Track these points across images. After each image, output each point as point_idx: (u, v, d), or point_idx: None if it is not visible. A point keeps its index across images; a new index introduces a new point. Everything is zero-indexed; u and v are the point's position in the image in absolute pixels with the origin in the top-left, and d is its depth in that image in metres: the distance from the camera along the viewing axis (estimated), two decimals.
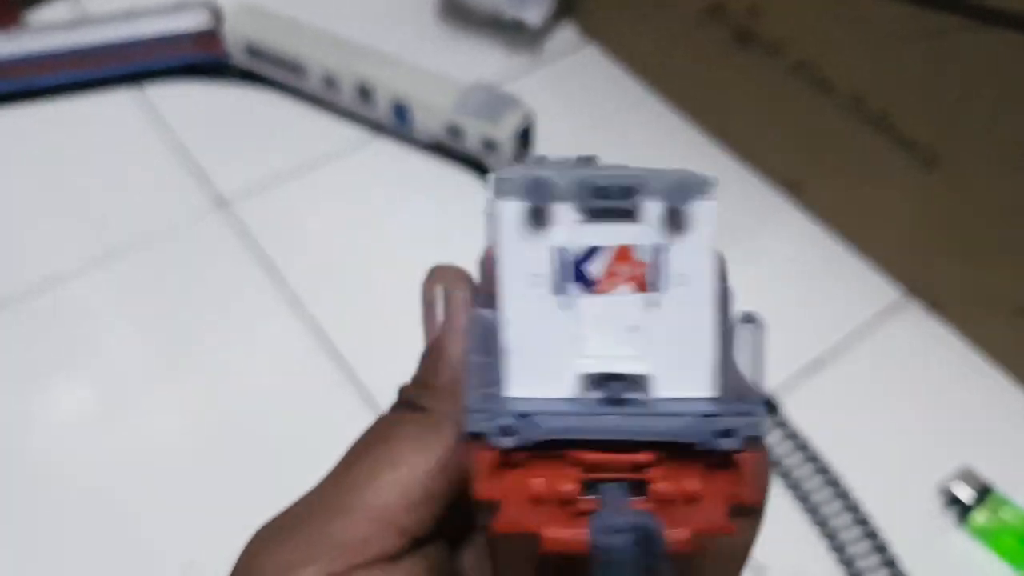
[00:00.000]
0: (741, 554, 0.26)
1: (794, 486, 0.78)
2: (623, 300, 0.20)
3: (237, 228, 0.95)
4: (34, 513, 0.77)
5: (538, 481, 0.18)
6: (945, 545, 0.76)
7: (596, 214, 0.20)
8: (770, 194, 0.93)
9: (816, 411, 0.82)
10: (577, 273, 0.20)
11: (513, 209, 0.19)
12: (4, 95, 1.05)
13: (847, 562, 0.74)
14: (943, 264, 0.83)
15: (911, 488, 0.79)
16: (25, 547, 0.74)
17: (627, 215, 0.20)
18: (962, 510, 0.76)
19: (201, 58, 1.07)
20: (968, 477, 0.77)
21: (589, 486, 0.19)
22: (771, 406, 0.80)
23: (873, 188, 0.84)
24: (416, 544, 0.26)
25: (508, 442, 0.18)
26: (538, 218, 0.19)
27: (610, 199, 0.19)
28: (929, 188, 0.77)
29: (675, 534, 0.18)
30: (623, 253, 0.20)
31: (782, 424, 0.80)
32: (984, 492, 0.76)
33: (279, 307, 0.89)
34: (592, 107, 1.04)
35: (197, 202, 0.97)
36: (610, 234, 0.20)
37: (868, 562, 0.74)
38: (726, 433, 0.18)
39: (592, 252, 0.20)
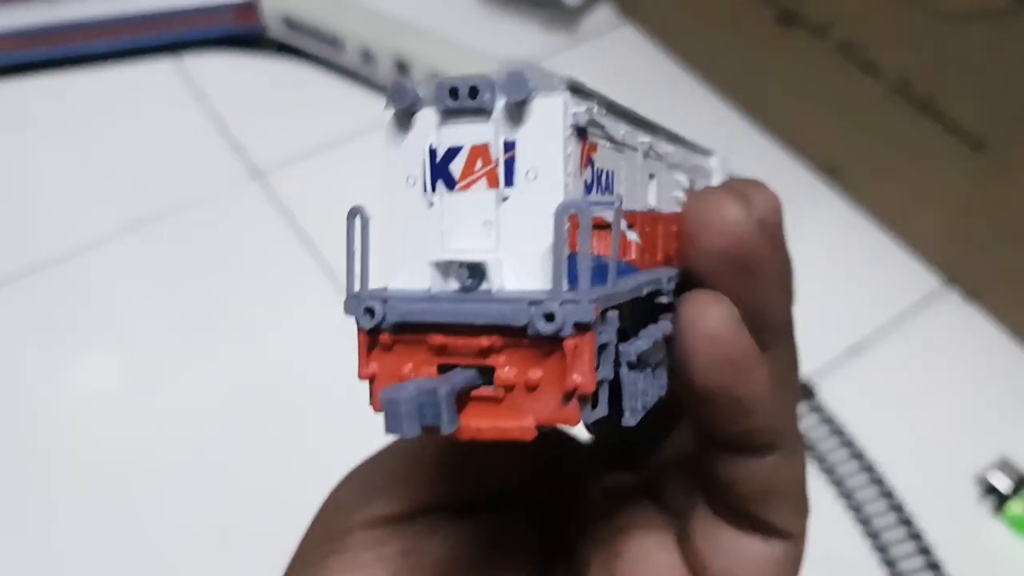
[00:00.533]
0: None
1: (829, 471, 0.77)
2: (479, 197, 0.21)
3: (272, 199, 0.95)
4: (65, 477, 0.77)
5: (406, 364, 0.21)
6: (981, 534, 0.75)
7: (451, 114, 0.21)
8: (810, 178, 0.92)
9: (853, 397, 0.81)
10: (441, 172, 0.21)
11: (388, 115, 0.22)
12: (45, 62, 1.06)
13: (881, 548, 0.74)
14: (986, 251, 0.82)
15: (947, 476, 0.78)
16: (54, 513, 0.75)
17: (480, 113, 0.21)
18: (999, 499, 0.75)
19: (239, 30, 1.07)
20: (1005, 467, 0.76)
21: (444, 370, 0.20)
22: (807, 391, 0.80)
23: (917, 173, 0.82)
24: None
25: (368, 323, 0.20)
26: (402, 121, 0.21)
27: (459, 99, 0.21)
28: (975, 174, 0.76)
29: (513, 423, 0.20)
30: (477, 151, 0.21)
31: (818, 409, 0.80)
32: (1021, 482, 0.76)
33: (313, 278, 0.89)
34: (629, 86, 1.03)
35: (232, 172, 0.97)
36: (467, 134, 0.21)
37: (903, 549, 0.73)
38: (550, 318, 0.20)
39: (453, 152, 0.22)
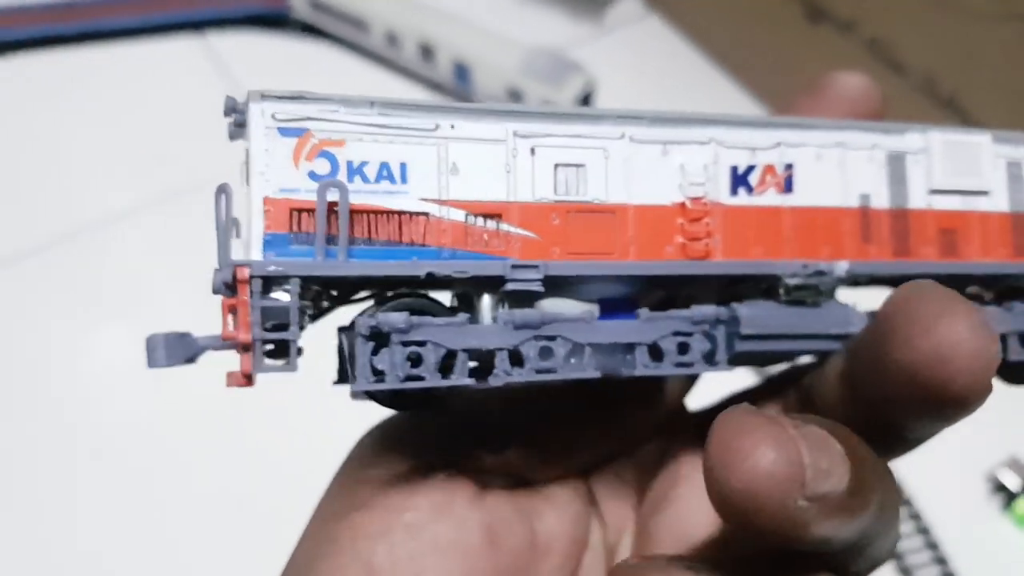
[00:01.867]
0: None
1: None
2: (245, 191, 0.32)
3: None
4: (86, 450, 0.78)
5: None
6: (989, 531, 0.76)
7: (237, 127, 0.31)
8: None
9: None
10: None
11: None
12: (71, 36, 1.06)
13: None
14: None
15: (957, 473, 0.79)
16: (74, 485, 0.76)
17: (243, 126, 0.31)
18: (1008, 497, 0.76)
19: (264, 9, 1.07)
20: (1015, 465, 0.77)
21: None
22: None
23: None
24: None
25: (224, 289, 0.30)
26: (237, 129, 0.31)
27: (229, 116, 0.31)
28: None
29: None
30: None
31: None
32: None
33: None
34: (654, 77, 1.03)
35: None
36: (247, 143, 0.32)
37: (911, 543, 0.74)
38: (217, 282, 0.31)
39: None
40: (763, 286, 0.36)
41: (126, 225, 0.93)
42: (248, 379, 0.31)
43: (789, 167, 0.36)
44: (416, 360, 0.31)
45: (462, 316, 0.33)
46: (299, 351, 0.33)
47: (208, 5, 1.08)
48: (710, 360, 0.35)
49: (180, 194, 0.95)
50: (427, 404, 0.33)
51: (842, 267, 0.36)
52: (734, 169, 0.35)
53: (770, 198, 0.36)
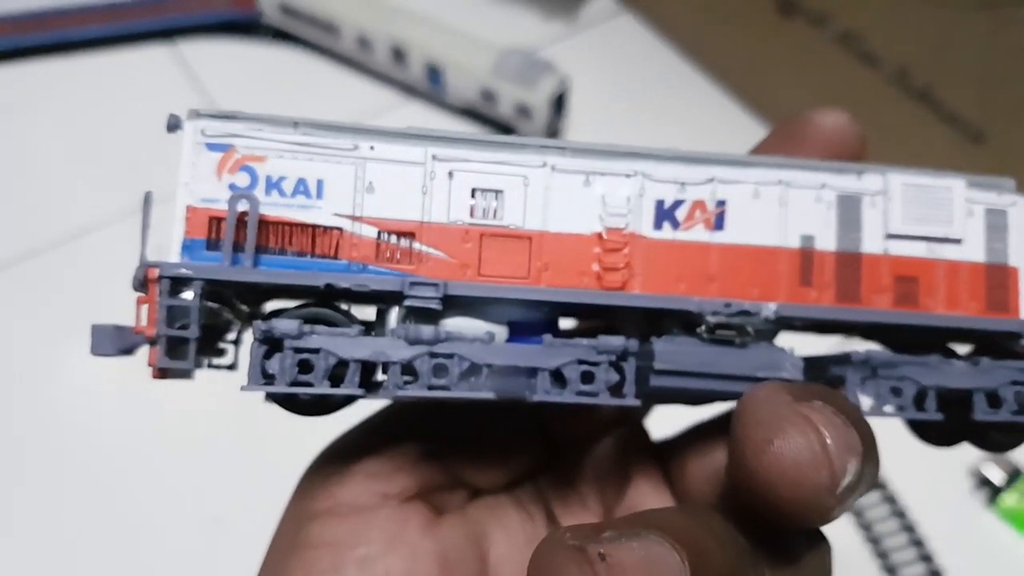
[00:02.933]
0: None
1: None
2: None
3: None
4: (66, 467, 0.77)
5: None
6: (974, 525, 0.75)
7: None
8: None
9: None
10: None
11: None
12: (39, 47, 1.05)
13: (874, 540, 0.74)
14: None
15: (942, 468, 0.78)
16: (57, 500, 0.75)
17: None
18: (992, 492, 0.75)
19: (234, 15, 1.06)
20: (999, 459, 0.77)
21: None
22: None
23: (916, 164, 0.82)
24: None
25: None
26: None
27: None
28: (976, 165, 0.76)
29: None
30: None
31: None
32: (1015, 475, 0.76)
33: None
34: (628, 75, 1.03)
35: None
36: None
37: (896, 540, 0.74)
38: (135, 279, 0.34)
39: None
40: (686, 323, 0.35)
41: (96, 238, 0.91)
42: (161, 372, 0.33)
43: (721, 204, 0.35)
44: (306, 367, 0.33)
45: (355, 328, 0.34)
46: (218, 350, 0.37)
47: (178, 12, 1.07)
48: (617, 392, 0.34)
49: (156, 204, 0.93)
50: (320, 409, 0.34)
51: (770, 308, 0.35)
52: (660, 203, 0.35)
53: (697, 234, 0.35)
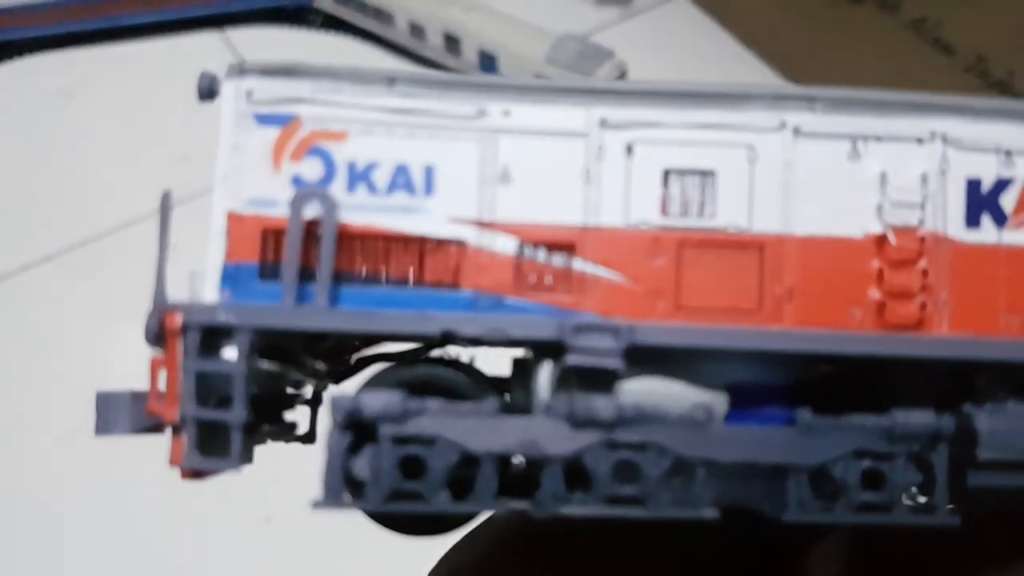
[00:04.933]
0: None
1: None
2: None
3: None
4: (120, 459, 0.77)
5: None
6: None
7: None
8: None
9: None
10: None
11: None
12: (90, 34, 1.04)
13: None
14: None
15: None
16: (110, 493, 0.75)
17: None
18: None
19: (286, 2, 1.05)
20: None
21: None
22: None
23: None
24: None
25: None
26: None
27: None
28: None
29: None
30: None
31: None
32: None
33: None
34: (684, 60, 1.00)
35: None
36: None
37: None
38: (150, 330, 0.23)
39: None
40: (1018, 381, 0.23)
41: (145, 228, 0.91)
42: (193, 473, 0.23)
43: None
44: (414, 468, 0.22)
45: (491, 402, 0.23)
46: (284, 425, 0.25)
47: (229, 0, 1.06)
48: (922, 504, 0.23)
49: (204, 193, 0.93)
50: (435, 527, 0.24)
51: None
52: (974, 184, 0.24)
53: None
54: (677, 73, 1.00)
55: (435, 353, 0.26)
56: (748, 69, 0.97)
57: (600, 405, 0.22)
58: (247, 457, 0.24)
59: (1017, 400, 0.23)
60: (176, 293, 0.23)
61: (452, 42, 0.96)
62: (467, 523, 0.25)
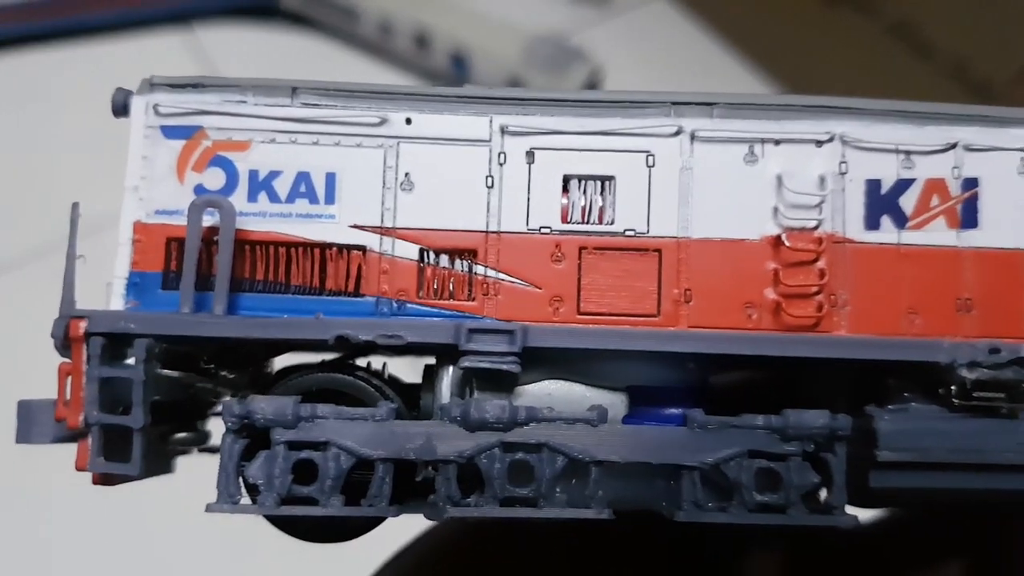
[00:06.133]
0: None
1: None
2: None
3: None
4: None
5: None
6: None
7: None
8: None
9: None
10: None
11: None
12: (55, 32, 1.01)
13: None
14: None
15: None
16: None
17: None
18: None
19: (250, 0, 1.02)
20: None
21: None
22: None
23: None
24: None
25: None
26: None
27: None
28: None
29: None
30: None
31: None
32: None
33: None
34: (664, 63, 0.98)
35: None
36: None
37: None
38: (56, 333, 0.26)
39: None
40: (925, 380, 0.23)
41: (111, 235, 0.88)
42: (103, 478, 0.22)
43: (971, 184, 0.24)
44: (307, 473, 0.22)
45: (386, 406, 0.23)
46: (200, 433, 0.25)
47: None
48: (816, 502, 0.23)
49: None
50: (335, 534, 0.24)
51: None
52: (874, 185, 0.25)
53: (937, 234, 0.24)
54: (656, 75, 0.98)
55: (362, 361, 0.26)
56: (727, 71, 0.95)
57: (491, 408, 0.23)
58: (163, 466, 0.24)
59: (924, 401, 0.23)
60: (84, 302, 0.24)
61: (423, 41, 0.94)
62: (370, 529, 0.25)
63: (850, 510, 0.24)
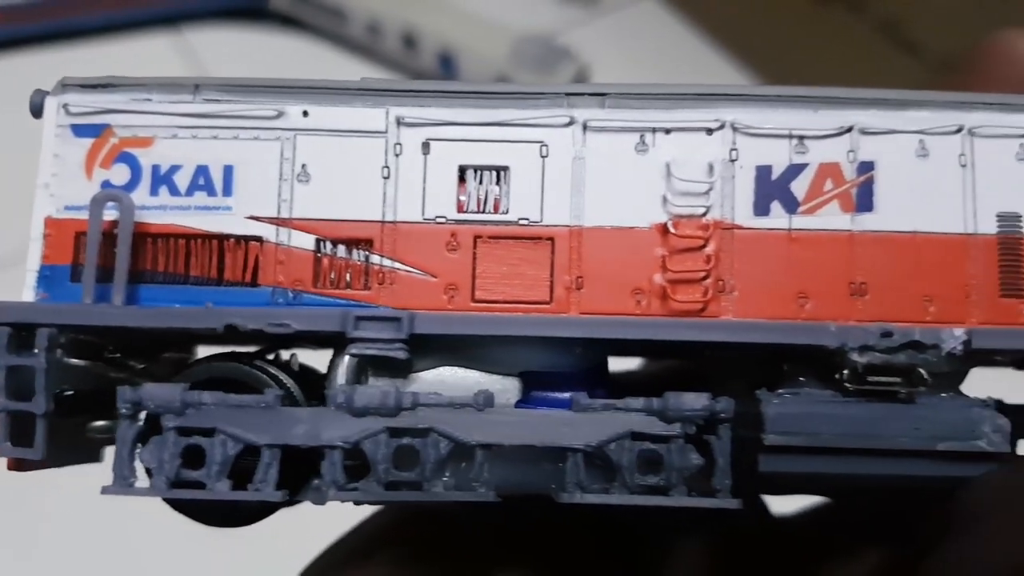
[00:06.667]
0: None
1: None
2: None
3: None
4: None
5: None
6: None
7: None
8: None
9: None
10: None
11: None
12: (45, 35, 1.01)
13: None
14: None
15: None
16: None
17: None
18: None
19: (241, 1, 1.02)
20: None
21: None
22: None
23: None
24: None
25: None
26: None
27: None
28: None
29: None
30: None
31: None
32: None
33: None
34: (651, 63, 0.97)
35: None
36: None
37: None
38: None
39: None
40: (822, 365, 0.23)
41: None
42: (16, 463, 0.24)
43: (867, 167, 0.24)
44: (195, 458, 0.23)
45: (272, 393, 0.23)
46: (97, 435, 0.25)
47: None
48: (702, 485, 0.23)
49: None
50: (234, 518, 0.24)
51: (956, 337, 0.23)
52: (764, 171, 0.24)
53: (830, 219, 0.24)
54: (644, 74, 0.97)
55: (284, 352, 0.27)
56: (716, 70, 0.94)
57: (374, 394, 0.23)
58: (87, 454, 0.25)
59: (820, 386, 0.23)
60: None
61: (411, 41, 0.93)
62: (268, 515, 0.25)
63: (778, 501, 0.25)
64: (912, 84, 0.83)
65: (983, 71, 0.27)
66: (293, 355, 0.27)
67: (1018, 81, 0.26)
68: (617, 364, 0.29)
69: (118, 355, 0.27)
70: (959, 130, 0.25)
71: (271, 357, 0.27)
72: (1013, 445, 0.24)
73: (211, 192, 0.24)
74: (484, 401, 0.23)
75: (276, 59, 1.00)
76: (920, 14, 0.74)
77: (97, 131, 0.25)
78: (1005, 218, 0.24)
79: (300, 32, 1.03)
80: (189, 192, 0.24)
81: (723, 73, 0.94)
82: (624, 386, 0.24)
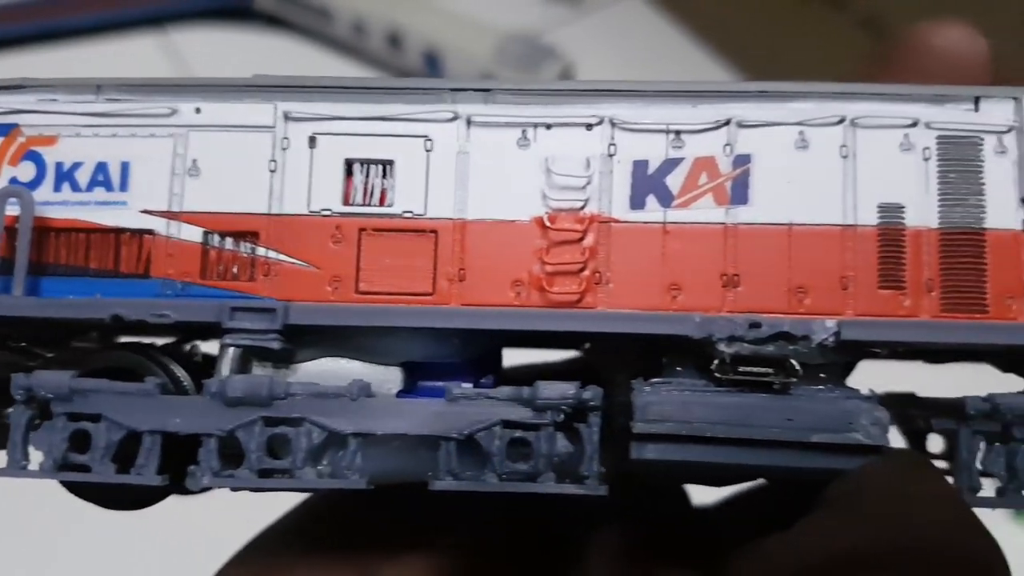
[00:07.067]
0: None
1: None
2: None
3: None
4: None
5: None
6: (999, 537, 0.72)
7: None
8: None
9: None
10: None
11: None
12: (29, 36, 1.01)
13: None
14: None
15: None
16: None
17: None
18: None
19: (226, 1, 1.02)
20: None
21: None
22: None
23: None
24: None
25: None
26: None
27: None
28: None
29: None
30: None
31: None
32: None
33: None
34: (636, 61, 0.98)
35: None
36: None
37: None
38: None
39: None
40: (697, 357, 0.24)
41: None
42: None
43: (743, 160, 0.25)
44: (82, 442, 0.24)
45: (153, 382, 0.25)
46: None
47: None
48: (568, 473, 0.24)
49: None
50: (127, 501, 0.25)
51: (828, 328, 0.24)
52: (640, 166, 0.25)
53: (703, 212, 0.25)
54: (629, 72, 0.98)
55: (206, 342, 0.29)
56: (701, 68, 0.95)
57: (246, 384, 0.24)
58: (3, 441, 0.25)
59: (693, 373, 0.24)
60: None
61: (396, 40, 0.93)
62: (161, 499, 0.26)
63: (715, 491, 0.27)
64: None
65: (900, 65, 0.28)
66: (194, 345, 0.28)
67: (933, 74, 0.26)
68: (535, 357, 0.29)
69: (23, 344, 0.28)
70: (841, 121, 0.25)
71: (188, 348, 0.29)
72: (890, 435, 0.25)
73: (109, 188, 0.26)
74: (359, 391, 0.24)
75: (261, 58, 1.00)
76: (902, 11, 0.74)
77: (6, 130, 0.26)
78: (887, 209, 0.25)
79: (285, 32, 1.03)
80: (89, 188, 0.26)
81: (708, 70, 0.94)
82: (523, 378, 0.25)
